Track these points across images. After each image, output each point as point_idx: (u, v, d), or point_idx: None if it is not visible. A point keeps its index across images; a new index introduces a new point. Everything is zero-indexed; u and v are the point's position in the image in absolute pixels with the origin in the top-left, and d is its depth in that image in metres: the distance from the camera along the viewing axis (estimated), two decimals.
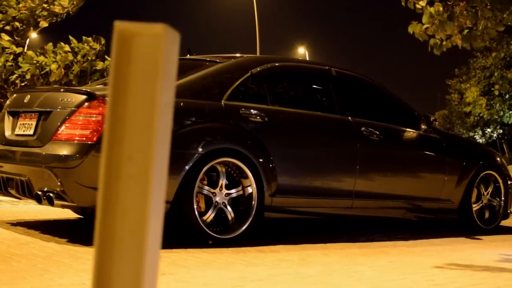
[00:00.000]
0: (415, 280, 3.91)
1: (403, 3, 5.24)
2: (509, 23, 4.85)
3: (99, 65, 11.55)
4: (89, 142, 4.47)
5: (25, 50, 12.34)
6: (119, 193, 1.20)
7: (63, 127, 4.59)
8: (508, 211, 7.09)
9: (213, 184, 4.90)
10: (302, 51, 45.95)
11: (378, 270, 4.20)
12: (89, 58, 11.61)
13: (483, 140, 30.74)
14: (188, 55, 6.05)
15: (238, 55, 5.63)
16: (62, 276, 3.46)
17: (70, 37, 11.96)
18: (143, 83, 1.22)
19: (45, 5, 11.89)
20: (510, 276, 4.20)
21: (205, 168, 4.76)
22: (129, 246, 1.20)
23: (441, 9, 4.75)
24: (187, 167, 4.67)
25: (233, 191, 4.96)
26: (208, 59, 5.53)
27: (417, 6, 5.07)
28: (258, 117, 5.14)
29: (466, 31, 4.85)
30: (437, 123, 6.49)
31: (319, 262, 4.36)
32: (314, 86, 6.01)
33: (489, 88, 27.53)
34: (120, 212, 1.20)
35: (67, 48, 11.51)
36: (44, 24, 12.18)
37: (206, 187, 4.85)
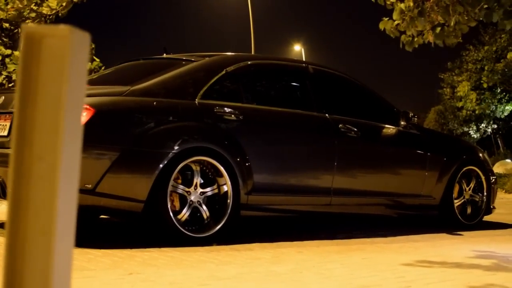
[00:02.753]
0: (385, 277, 3.91)
1: (373, 0, 5.22)
2: (481, 18, 4.83)
3: (87, 66, 11.57)
4: None
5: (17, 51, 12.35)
6: (30, 193, 1.20)
7: None
8: (491, 206, 7.10)
9: (188, 183, 4.90)
10: (298, 48, 45.89)
11: (350, 267, 4.20)
12: None
13: (478, 135, 30.72)
14: (165, 54, 6.05)
15: (214, 53, 5.63)
16: None
17: None
18: (51, 84, 1.21)
19: (33, 7, 11.85)
20: (482, 273, 4.20)
21: (179, 167, 4.76)
22: (40, 246, 1.20)
23: (411, 4, 4.74)
24: (160, 166, 4.67)
25: (208, 189, 4.96)
26: (184, 58, 5.53)
27: (388, 2, 5.05)
28: (232, 115, 5.13)
29: (438, 29, 4.84)
30: (416, 119, 6.49)
31: (291, 260, 4.35)
32: (291, 84, 6.01)
33: (480, 82, 27.49)
34: (32, 213, 1.20)
35: None
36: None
37: (181, 186, 4.84)
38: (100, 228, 5.83)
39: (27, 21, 12.18)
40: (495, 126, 30.45)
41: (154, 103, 4.84)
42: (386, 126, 6.29)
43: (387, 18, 5.18)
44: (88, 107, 4.55)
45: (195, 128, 4.97)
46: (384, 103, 6.47)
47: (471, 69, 28.42)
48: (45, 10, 11.97)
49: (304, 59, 43.27)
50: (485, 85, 27.29)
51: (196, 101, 5.04)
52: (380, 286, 3.63)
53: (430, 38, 5.00)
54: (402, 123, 6.37)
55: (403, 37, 5.23)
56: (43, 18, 12.14)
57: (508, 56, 25.11)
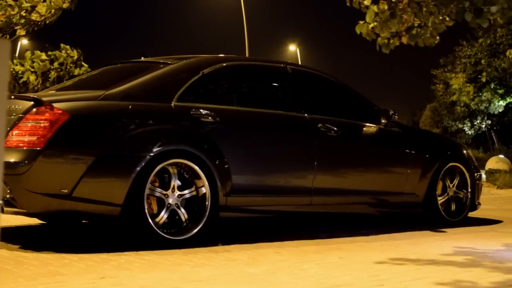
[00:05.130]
0: (359, 276, 3.91)
1: (348, 3, 5.21)
2: (457, 19, 4.82)
3: (76, 71, 11.58)
4: (37, 148, 4.47)
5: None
6: None
7: (11, 134, 4.58)
8: (476, 203, 7.09)
9: (166, 185, 4.90)
10: (293, 49, 45.89)
11: (325, 267, 4.20)
12: (68, 66, 11.63)
13: (472, 131, 30.68)
14: (143, 58, 6.06)
15: (191, 56, 5.63)
16: None
17: (47, 45, 12.05)
18: None
19: (23, 13, 11.82)
20: (457, 269, 4.21)
21: (155, 170, 4.76)
22: None
23: (385, 7, 4.73)
24: (137, 170, 4.67)
25: (186, 192, 4.96)
26: (161, 61, 5.54)
27: (362, 5, 5.05)
28: (209, 117, 5.13)
29: (414, 30, 4.83)
30: (396, 117, 6.49)
31: (268, 261, 4.36)
32: (269, 84, 6.01)
33: (476, 75, 27.31)
34: None
35: (43, 56, 11.54)
36: (21, 32, 12.12)
37: (158, 189, 4.85)
38: (80, 233, 5.83)
39: (15, 27, 12.17)
40: (489, 122, 30.37)
41: (130, 106, 4.85)
42: (367, 124, 6.29)
43: (363, 22, 5.17)
44: (62, 112, 4.56)
45: (171, 131, 4.97)
46: (365, 101, 6.48)
47: (466, 62, 28.23)
48: (34, 16, 11.95)
49: (299, 59, 43.30)
50: (483, 80, 27.10)
51: (172, 103, 5.05)
52: (352, 285, 3.64)
53: (404, 39, 4.99)
54: (383, 121, 6.37)
55: (379, 39, 5.22)
56: (32, 25, 12.12)
57: (508, 54, 25.03)
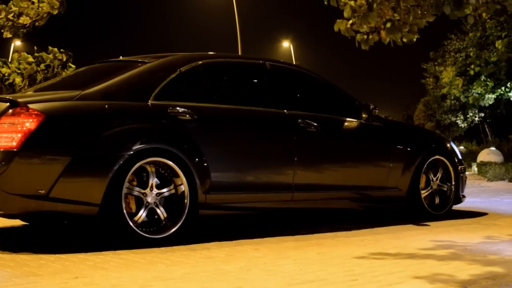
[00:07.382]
0: (334, 271, 3.91)
1: (325, 2, 5.19)
2: (436, 12, 4.80)
3: (63, 73, 11.56)
4: (13, 149, 4.46)
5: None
6: None
7: None
8: (461, 196, 7.09)
9: (144, 184, 4.90)
10: (286, 45, 45.86)
11: (301, 263, 4.20)
12: (55, 69, 11.59)
13: (465, 124, 30.63)
14: (121, 57, 6.05)
15: (168, 54, 5.62)
16: None
17: (35, 47, 12.03)
18: None
19: (10, 17, 11.75)
20: (435, 263, 4.21)
21: (132, 169, 4.75)
22: None
23: (363, 1, 4.70)
24: (114, 169, 4.66)
25: (164, 190, 4.96)
26: (139, 59, 5.53)
27: (340, 3, 5.02)
28: (187, 115, 5.12)
29: (389, 24, 4.81)
30: (377, 111, 6.48)
31: (244, 258, 4.36)
32: (248, 81, 6.00)
33: (465, 68, 27.17)
34: None
35: (30, 58, 11.53)
36: (7, 34, 12.07)
37: (137, 188, 4.84)
38: (60, 233, 5.81)
39: (2, 30, 12.10)
40: (482, 114, 30.34)
41: (106, 106, 4.84)
42: (347, 119, 6.29)
43: (341, 20, 5.13)
44: (38, 112, 4.55)
45: (148, 130, 4.96)
46: (345, 96, 6.47)
47: (456, 56, 28.09)
48: (21, 19, 11.88)
49: (293, 56, 43.19)
50: (472, 72, 26.97)
51: (149, 102, 5.04)
52: (326, 281, 3.65)
53: (382, 34, 4.97)
54: (364, 116, 6.36)
55: (358, 36, 5.19)
56: (20, 27, 12.05)
57: (497, 45, 24.96)
